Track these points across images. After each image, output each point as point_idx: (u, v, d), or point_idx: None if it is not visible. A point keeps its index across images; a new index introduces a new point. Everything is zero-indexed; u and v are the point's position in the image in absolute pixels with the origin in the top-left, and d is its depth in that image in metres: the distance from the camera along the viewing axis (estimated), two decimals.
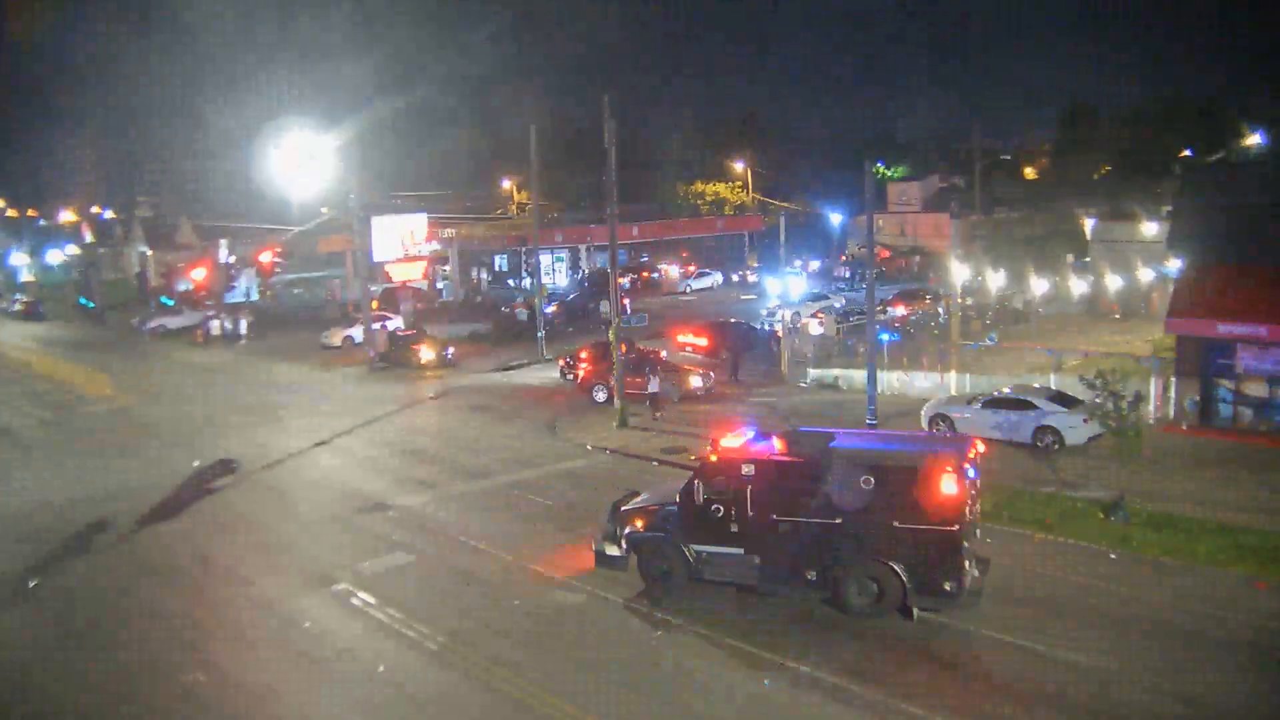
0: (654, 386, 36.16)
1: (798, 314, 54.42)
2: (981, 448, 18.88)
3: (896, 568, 17.28)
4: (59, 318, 75.55)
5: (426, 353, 48.26)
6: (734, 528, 18.42)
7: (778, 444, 18.98)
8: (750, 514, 18.28)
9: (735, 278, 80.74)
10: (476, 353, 52.02)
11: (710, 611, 18.60)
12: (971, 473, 17.73)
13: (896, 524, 17.27)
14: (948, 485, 16.98)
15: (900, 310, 56.69)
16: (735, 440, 19.39)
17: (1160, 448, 28.13)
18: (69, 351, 57.20)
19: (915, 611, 17.46)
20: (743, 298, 73.27)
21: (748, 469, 18.35)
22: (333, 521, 25.13)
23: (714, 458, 18.89)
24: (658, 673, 16.51)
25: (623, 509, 20.08)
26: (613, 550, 19.62)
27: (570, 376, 42.42)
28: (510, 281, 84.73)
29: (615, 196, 34.44)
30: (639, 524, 19.49)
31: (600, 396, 37.78)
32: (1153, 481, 25.13)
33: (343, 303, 68.58)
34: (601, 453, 31.18)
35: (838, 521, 17.63)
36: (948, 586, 17.07)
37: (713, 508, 18.55)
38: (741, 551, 18.41)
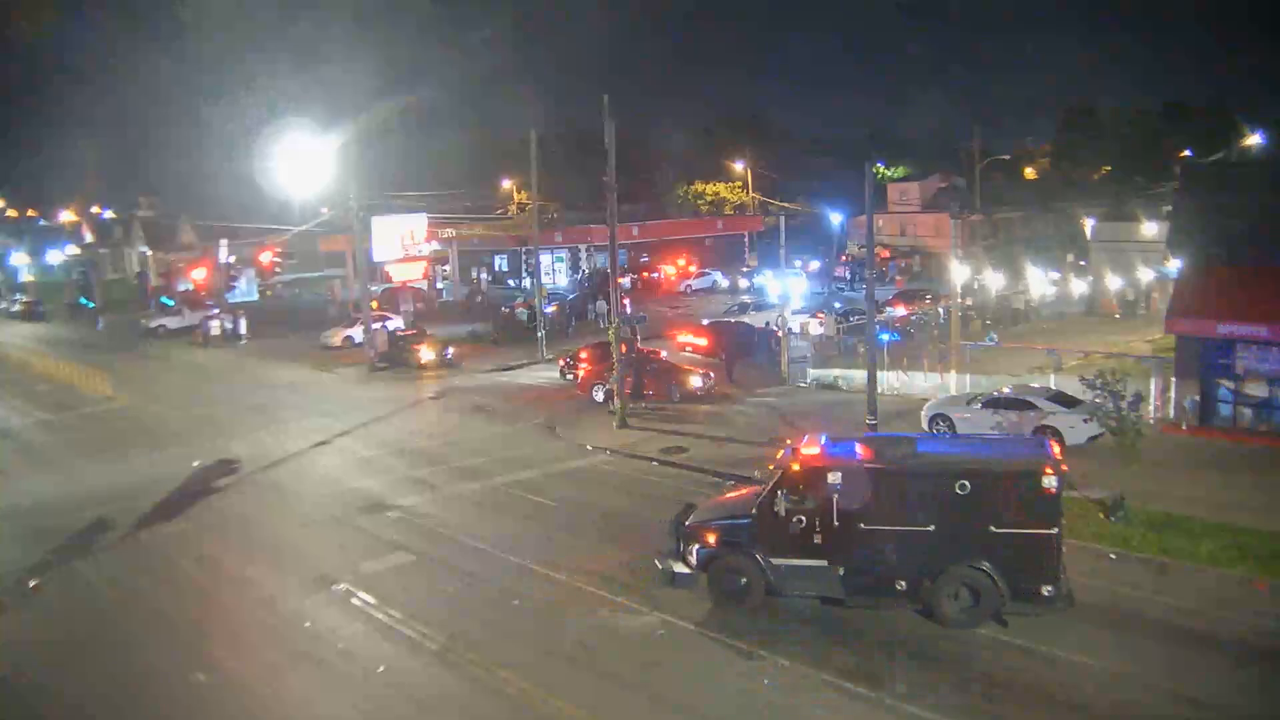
0: (608, 384, 36.94)
1: (742, 317, 54.32)
2: (1057, 449, 18.45)
3: (994, 574, 17.00)
4: (59, 318, 75.54)
5: (426, 353, 48.26)
6: (817, 539, 17.79)
7: (861, 450, 18.48)
8: (836, 524, 17.69)
9: (725, 282, 79.64)
10: (476, 353, 52.03)
11: (702, 608, 18.62)
12: None
13: (993, 528, 17.02)
14: (1049, 486, 16.81)
15: (900, 310, 56.73)
16: (812, 448, 18.76)
17: (1160, 448, 28.13)
18: (69, 351, 57.18)
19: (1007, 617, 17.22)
20: (743, 299, 73.32)
21: (834, 477, 17.73)
22: (333, 522, 25.14)
23: (797, 467, 18.18)
24: (656, 671, 16.50)
25: (688, 525, 19.37)
26: (681, 568, 18.83)
27: (570, 377, 42.46)
28: (510, 281, 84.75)
29: (615, 196, 34.43)
30: (710, 539, 18.66)
31: (600, 396, 37.81)
32: (1153, 481, 25.11)
33: (343, 303, 68.60)
34: (601, 453, 31.18)
35: (931, 529, 17.31)
36: (1045, 591, 16.87)
37: (795, 519, 17.96)
38: (825, 564, 17.80)
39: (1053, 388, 31.29)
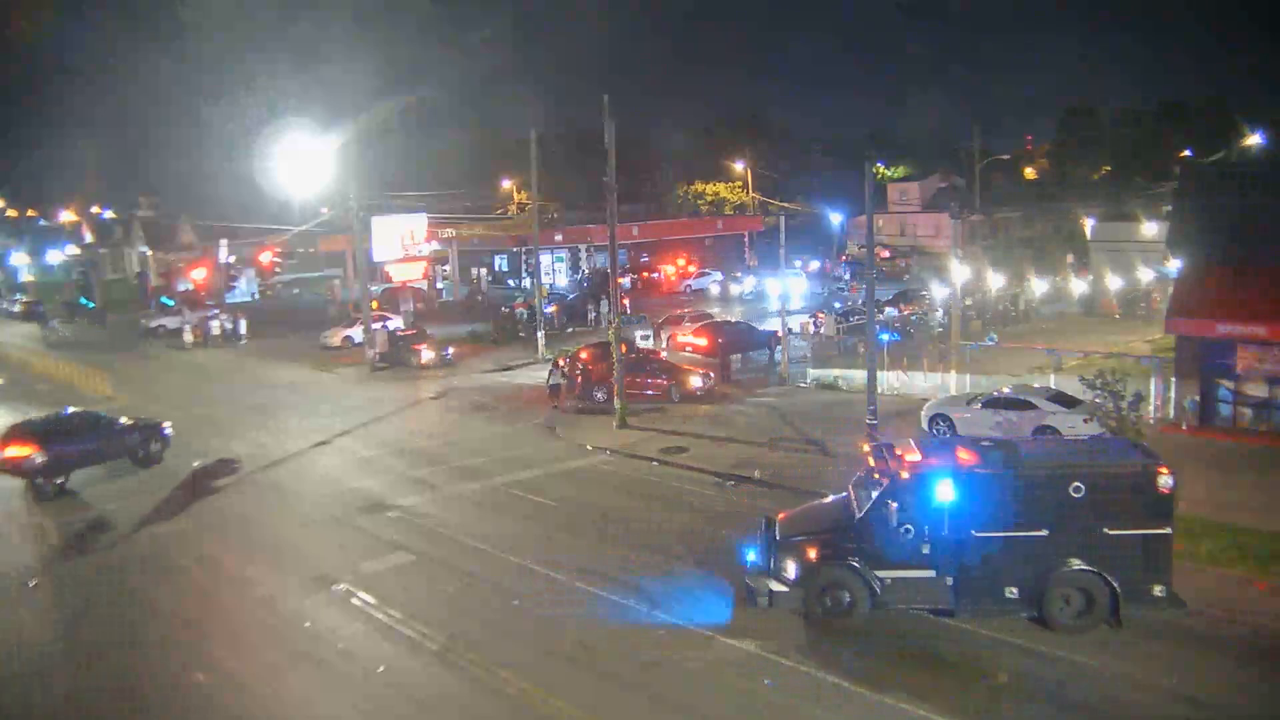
0: (555, 379, 38.41)
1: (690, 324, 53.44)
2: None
3: (1108, 576, 16.92)
4: (58, 317, 75.44)
5: (426, 353, 48.32)
6: (926, 549, 17.44)
7: (965, 455, 18.07)
8: (946, 533, 17.34)
9: (717, 289, 79.15)
10: (476, 353, 52.07)
11: (703, 607, 18.61)
12: None
13: (1107, 530, 16.96)
14: (1164, 485, 16.89)
15: (896, 311, 56.78)
16: (913, 454, 18.40)
17: (1160, 448, 27.79)
18: (68, 351, 57.12)
19: (1122, 619, 17.14)
20: (744, 298, 73.52)
21: (946, 484, 17.37)
22: (333, 522, 25.14)
23: (906, 474, 17.69)
24: (656, 671, 16.50)
25: (780, 539, 18.53)
26: (778, 586, 18.11)
27: (565, 378, 42.34)
28: (510, 281, 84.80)
29: (615, 196, 34.43)
30: (810, 554, 17.97)
31: (599, 396, 37.82)
32: None
33: (343, 303, 68.64)
34: (602, 453, 31.18)
35: (1044, 533, 17.14)
36: (1157, 591, 16.94)
37: (903, 529, 17.50)
38: (933, 574, 17.47)
39: (1053, 388, 31.31)
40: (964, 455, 18.12)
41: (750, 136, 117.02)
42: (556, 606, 19.20)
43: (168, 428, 32.13)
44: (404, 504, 26.25)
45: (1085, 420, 28.00)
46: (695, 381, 38.62)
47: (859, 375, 36.41)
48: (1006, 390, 30.98)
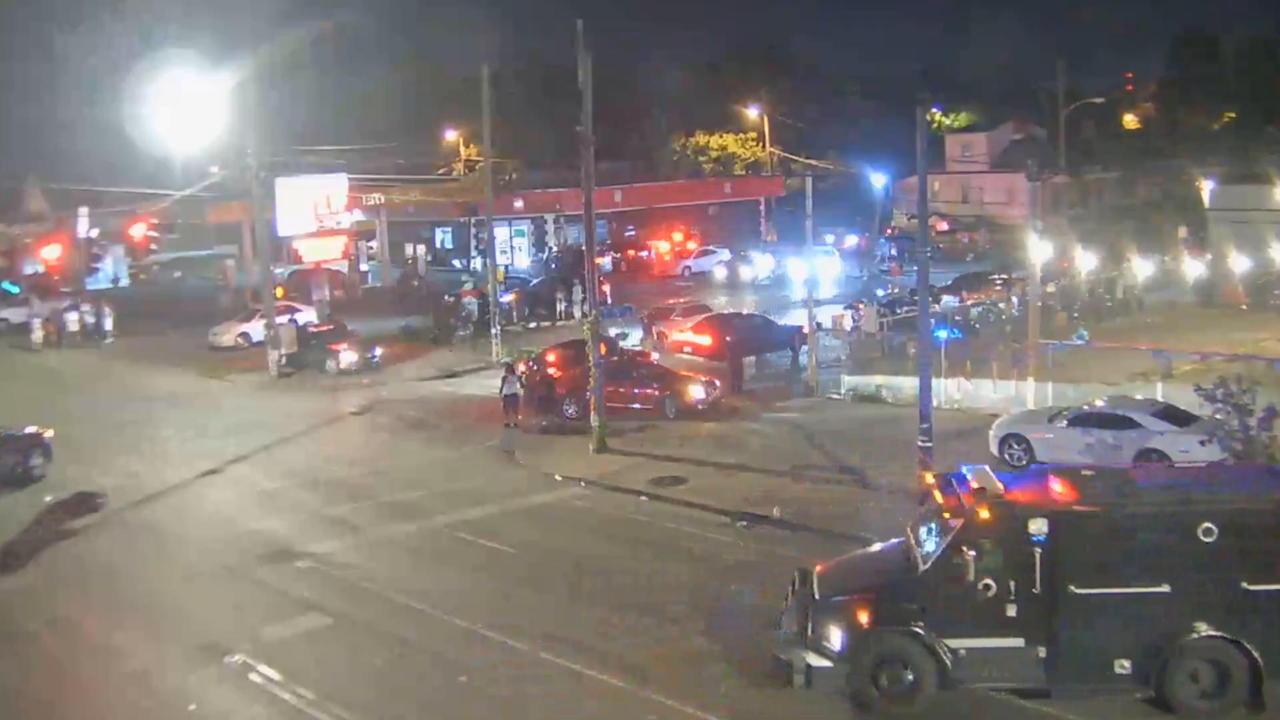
0: (510, 388, 37.70)
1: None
2: None
3: (1247, 644, 16.66)
4: None
5: (346, 355, 48.42)
6: (1011, 610, 17.01)
7: (1061, 488, 17.92)
8: (1038, 589, 16.91)
9: (723, 269, 78.86)
10: (411, 354, 52.18)
11: (703, 687, 18.64)
12: None
13: (1247, 585, 16.70)
14: None
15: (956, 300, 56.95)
16: (989, 484, 18.00)
17: None
18: None
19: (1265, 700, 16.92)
20: (760, 284, 73.67)
21: (1038, 526, 16.90)
22: (226, 574, 25.10)
23: (986, 513, 17.23)
24: None
25: (820, 599, 18.11)
26: (819, 661, 17.52)
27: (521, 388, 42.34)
28: (456, 262, 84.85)
29: (592, 152, 34.46)
30: (862, 618, 17.48)
31: (571, 412, 37.88)
32: None
33: (238, 290, 68.58)
34: (574, 485, 31.26)
35: (1165, 589, 16.83)
36: None
37: (982, 584, 17.09)
38: (1022, 643, 17.02)
39: (1160, 400, 31.40)
40: (1059, 488, 17.98)
41: (767, 74, 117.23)
42: (516, 683, 19.19)
43: (48, 436, 33.37)
44: (318, 551, 26.26)
45: (1202, 442, 27.97)
46: (696, 392, 38.69)
47: (908, 384, 36.54)
48: (1100, 404, 31.10)
